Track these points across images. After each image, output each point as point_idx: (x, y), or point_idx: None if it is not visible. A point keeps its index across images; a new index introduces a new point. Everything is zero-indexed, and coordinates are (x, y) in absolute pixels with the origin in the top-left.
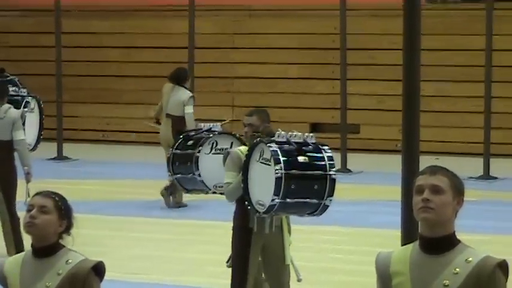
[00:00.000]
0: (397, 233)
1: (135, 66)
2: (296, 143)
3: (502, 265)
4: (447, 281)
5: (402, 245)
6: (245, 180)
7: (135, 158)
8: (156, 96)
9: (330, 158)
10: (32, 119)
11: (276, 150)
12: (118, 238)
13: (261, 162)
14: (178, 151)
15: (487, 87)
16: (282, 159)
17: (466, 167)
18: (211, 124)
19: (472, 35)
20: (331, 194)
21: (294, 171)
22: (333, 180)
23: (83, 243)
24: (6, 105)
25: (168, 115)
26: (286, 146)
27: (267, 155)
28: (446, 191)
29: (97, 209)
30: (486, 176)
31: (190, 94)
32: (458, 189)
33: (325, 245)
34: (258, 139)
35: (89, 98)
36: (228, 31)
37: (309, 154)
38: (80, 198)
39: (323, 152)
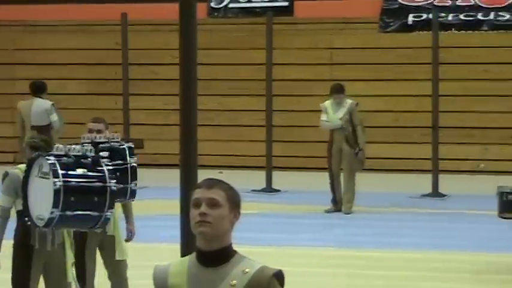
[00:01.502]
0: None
1: None
2: (75, 155)
3: (278, 275)
4: None
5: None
6: (25, 196)
7: None
8: None
9: (110, 171)
10: None
11: (54, 163)
12: None
13: (40, 177)
14: None
15: (268, 101)
16: (60, 172)
17: (250, 180)
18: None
19: (254, 49)
20: (111, 207)
21: (73, 183)
22: (113, 192)
23: None
24: None
25: (33, 127)
26: (64, 159)
27: (46, 168)
28: (223, 204)
29: None
30: (269, 188)
31: (51, 102)
32: (235, 202)
33: None
34: (37, 153)
35: None
36: (7, 47)
37: (88, 167)
38: None
39: (103, 164)
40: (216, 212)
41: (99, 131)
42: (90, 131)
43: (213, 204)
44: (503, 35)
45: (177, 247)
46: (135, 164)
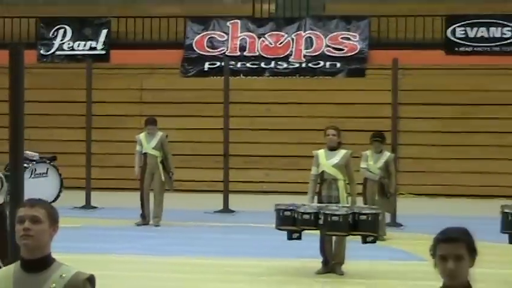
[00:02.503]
0: None
1: None
2: None
3: (91, 279)
4: None
5: None
6: None
7: None
8: None
9: None
10: None
11: None
12: None
13: None
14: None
15: (88, 133)
16: None
17: (72, 199)
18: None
19: (76, 89)
20: None
21: None
22: None
23: None
24: None
25: None
26: None
27: None
28: (44, 220)
29: None
30: (88, 206)
31: None
32: (54, 218)
33: None
34: None
35: None
36: None
37: None
38: None
39: None
40: (37, 227)
41: None
42: None
43: (35, 220)
44: (282, 80)
45: None
46: None
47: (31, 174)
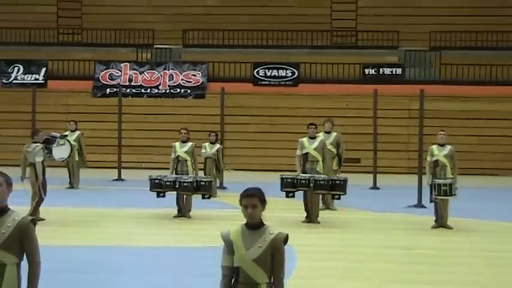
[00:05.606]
0: None
1: None
2: None
3: (33, 220)
4: None
5: None
6: None
7: None
8: None
9: None
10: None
11: None
12: None
13: None
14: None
15: None
16: None
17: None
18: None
19: (26, 104)
20: None
21: None
22: None
23: None
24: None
25: None
26: None
27: None
28: (3, 184)
29: None
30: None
31: None
32: (9, 183)
33: None
34: None
35: None
36: None
37: None
38: None
39: None
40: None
41: None
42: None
43: None
44: (154, 100)
45: None
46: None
47: (57, 144)
